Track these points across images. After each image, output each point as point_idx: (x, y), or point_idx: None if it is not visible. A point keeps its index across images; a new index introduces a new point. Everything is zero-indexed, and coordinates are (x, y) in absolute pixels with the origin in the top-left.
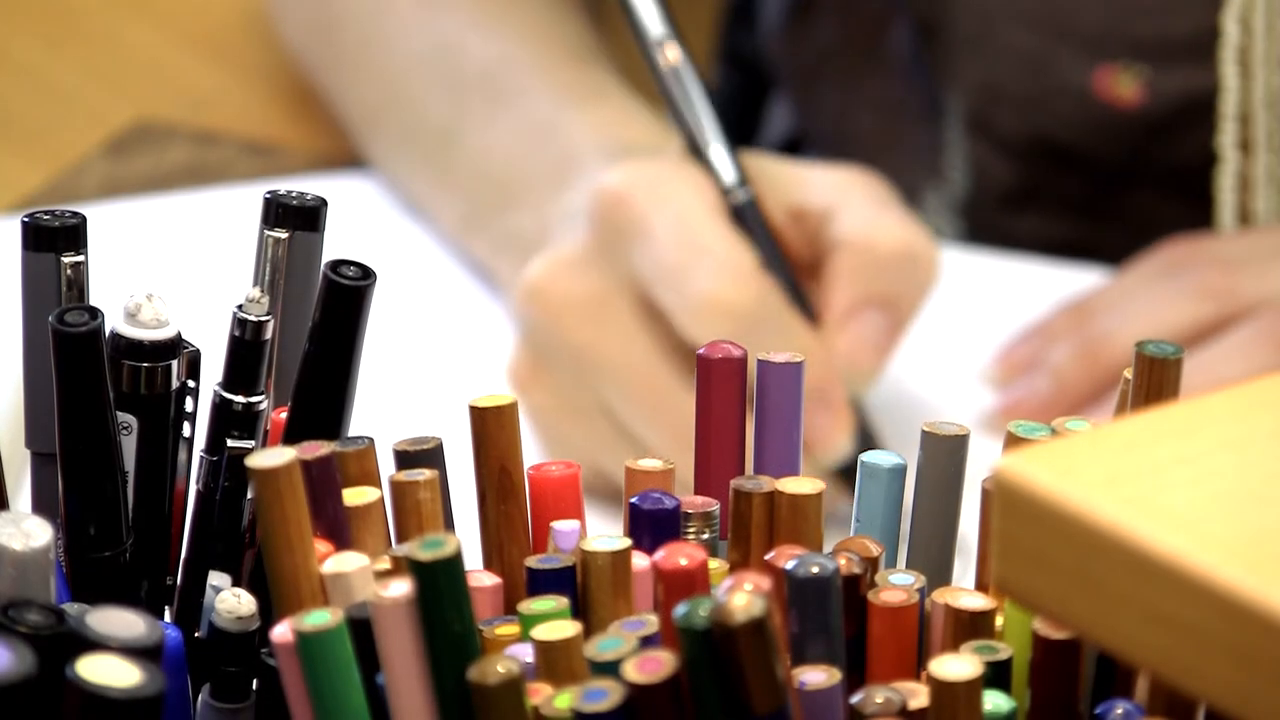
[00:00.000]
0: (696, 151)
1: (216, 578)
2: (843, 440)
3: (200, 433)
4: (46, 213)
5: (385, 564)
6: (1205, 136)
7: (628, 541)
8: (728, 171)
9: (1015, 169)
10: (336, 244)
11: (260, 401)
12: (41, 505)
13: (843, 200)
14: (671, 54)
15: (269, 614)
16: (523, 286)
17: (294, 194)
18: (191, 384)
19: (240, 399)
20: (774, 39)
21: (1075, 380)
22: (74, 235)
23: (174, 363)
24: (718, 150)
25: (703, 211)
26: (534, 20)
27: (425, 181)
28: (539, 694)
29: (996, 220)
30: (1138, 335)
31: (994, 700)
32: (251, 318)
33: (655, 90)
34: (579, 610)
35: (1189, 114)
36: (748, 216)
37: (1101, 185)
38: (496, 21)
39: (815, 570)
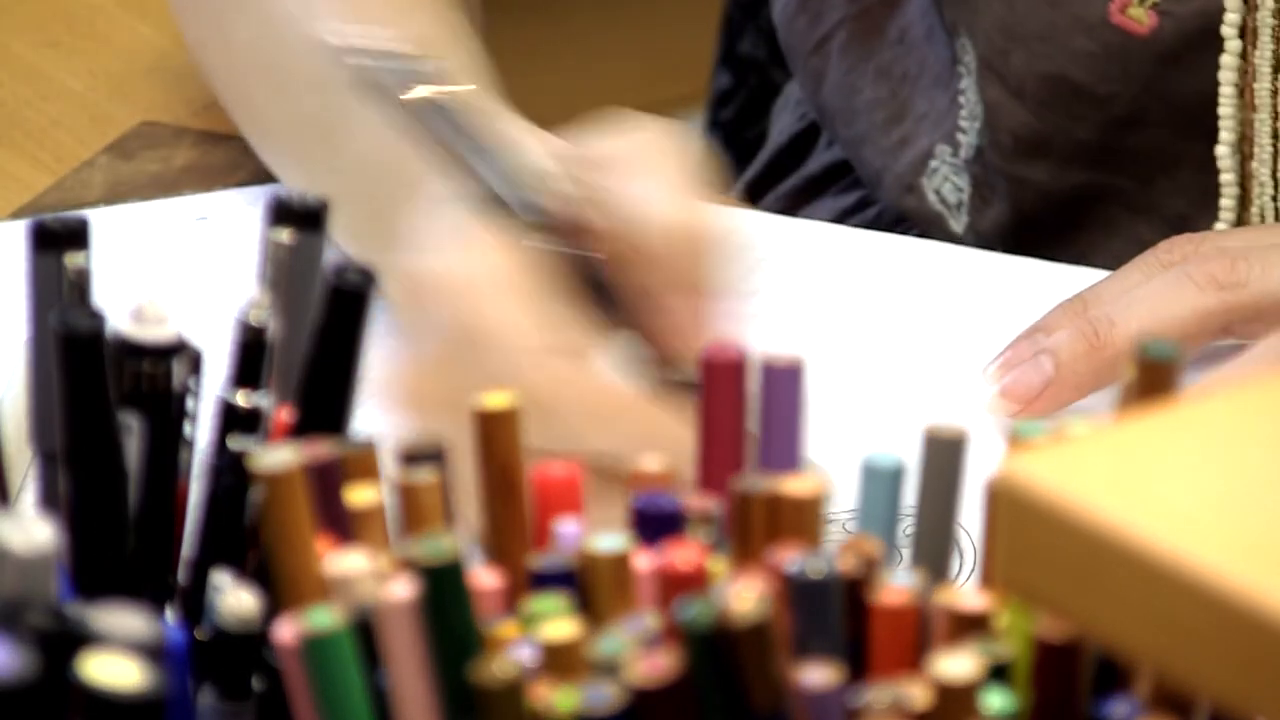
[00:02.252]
0: (493, 199)
1: (219, 577)
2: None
3: (203, 433)
4: (52, 216)
5: (388, 565)
6: (1216, 65)
7: (630, 542)
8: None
9: (1028, 114)
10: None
11: (263, 402)
12: (45, 505)
13: (622, 157)
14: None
15: (272, 613)
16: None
17: (297, 195)
18: (194, 384)
19: (243, 399)
20: (785, 19)
21: (1075, 362)
22: (78, 237)
23: (176, 363)
24: (511, 197)
25: (494, 296)
26: (418, 20)
27: (309, 180)
28: (541, 695)
29: (1007, 169)
30: (1140, 322)
31: (995, 700)
32: (254, 318)
33: (543, 113)
34: (581, 610)
35: (1201, 41)
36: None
37: (1113, 126)
38: (379, 16)
39: (816, 571)
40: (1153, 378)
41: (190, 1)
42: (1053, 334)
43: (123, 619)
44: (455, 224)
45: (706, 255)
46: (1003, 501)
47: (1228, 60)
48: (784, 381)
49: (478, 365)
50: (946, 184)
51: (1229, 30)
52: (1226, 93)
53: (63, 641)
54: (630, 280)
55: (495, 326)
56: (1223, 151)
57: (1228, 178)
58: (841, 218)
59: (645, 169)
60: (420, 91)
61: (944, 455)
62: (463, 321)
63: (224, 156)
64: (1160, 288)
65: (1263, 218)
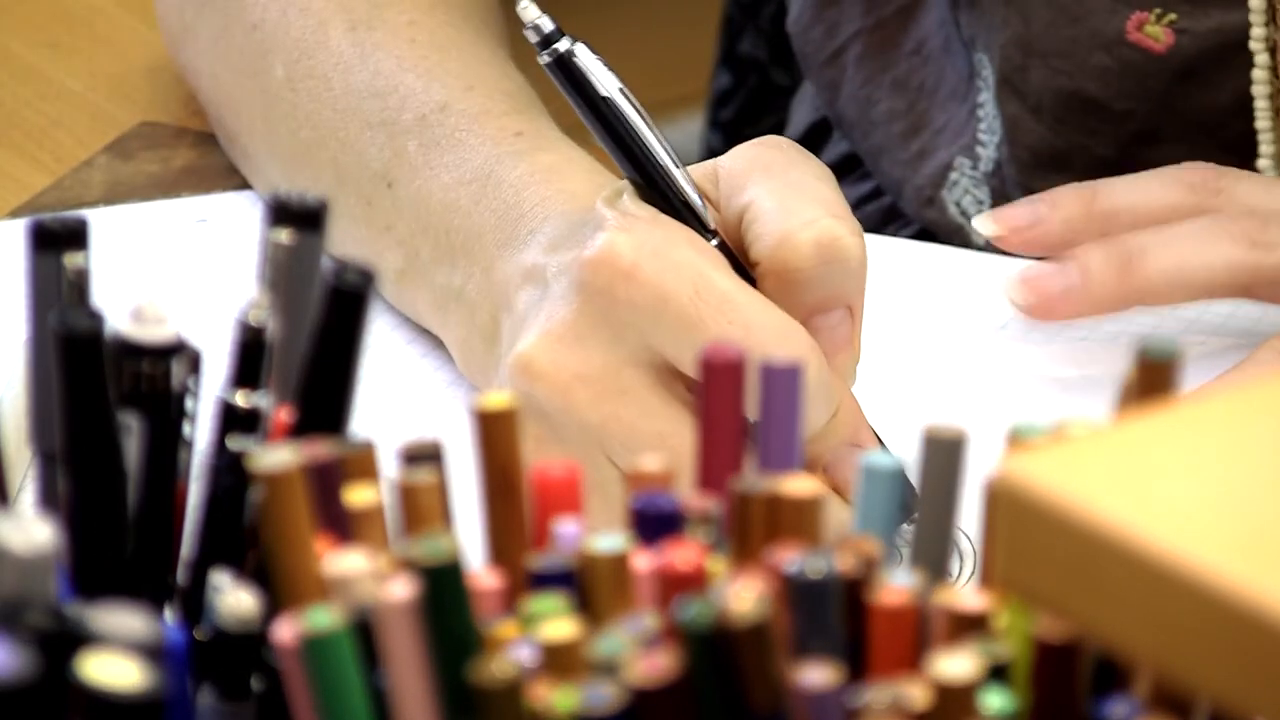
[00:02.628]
0: (664, 199)
1: (219, 577)
2: None
3: (203, 433)
4: (51, 216)
5: (387, 565)
6: (1234, 81)
7: (629, 542)
8: (700, 219)
9: (1046, 130)
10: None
11: (263, 402)
12: (45, 505)
13: (755, 174)
14: (628, 107)
15: (272, 613)
16: (516, 363)
17: (296, 196)
18: (193, 384)
19: (243, 399)
20: (799, 29)
21: (1102, 281)
22: (77, 237)
23: (176, 363)
24: (692, 198)
25: (718, 271)
26: (472, 66)
27: (361, 226)
28: (540, 695)
29: (1027, 183)
30: (1174, 260)
31: (994, 700)
32: (254, 318)
33: (592, 142)
34: (580, 610)
35: (1217, 57)
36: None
37: (1130, 141)
38: (434, 65)
39: (815, 571)
40: (1153, 378)
41: (212, 43)
42: (1059, 208)
43: (122, 619)
44: (647, 213)
45: (856, 271)
46: (1002, 501)
47: (1259, 75)
48: (783, 382)
49: (730, 326)
50: (967, 196)
51: (1256, 45)
52: (1261, 107)
53: (63, 641)
54: (783, 297)
55: (744, 301)
56: (1264, 165)
57: None
58: (857, 205)
59: (776, 182)
60: (610, 86)
61: (944, 455)
62: (702, 294)
63: (224, 157)
64: (1197, 231)
65: None
